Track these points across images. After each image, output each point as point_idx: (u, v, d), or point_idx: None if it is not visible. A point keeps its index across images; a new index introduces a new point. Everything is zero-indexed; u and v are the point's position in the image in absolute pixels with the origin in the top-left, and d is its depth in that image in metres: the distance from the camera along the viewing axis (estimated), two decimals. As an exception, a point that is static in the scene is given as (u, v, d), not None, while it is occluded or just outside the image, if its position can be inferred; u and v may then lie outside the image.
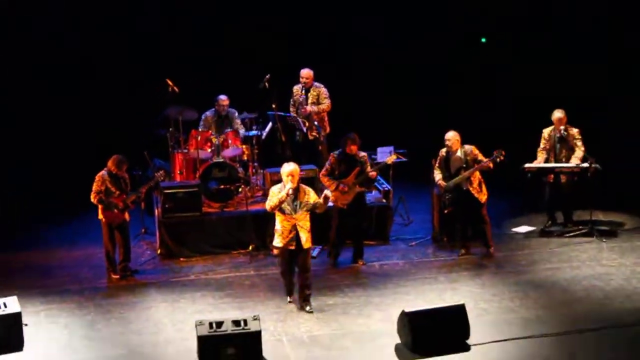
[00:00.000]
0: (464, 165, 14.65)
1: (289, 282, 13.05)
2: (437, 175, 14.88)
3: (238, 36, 19.39)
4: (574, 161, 15.31)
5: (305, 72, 16.45)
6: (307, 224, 12.76)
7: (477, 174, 14.68)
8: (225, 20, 19.52)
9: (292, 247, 12.71)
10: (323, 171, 14.54)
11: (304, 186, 12.82)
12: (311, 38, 19.72)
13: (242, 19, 19.55)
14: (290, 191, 12.50)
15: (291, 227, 12.66)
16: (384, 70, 20.56)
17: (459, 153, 14.68)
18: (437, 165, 14.92)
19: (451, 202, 14.87)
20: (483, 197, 14.75)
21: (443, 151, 14.83)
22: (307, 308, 12.85)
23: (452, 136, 14.71)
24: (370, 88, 20.27)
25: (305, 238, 12.71)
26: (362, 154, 14.60)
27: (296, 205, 12.64)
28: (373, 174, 14.57)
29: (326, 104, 16.44)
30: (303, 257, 12.83)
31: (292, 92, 16.64)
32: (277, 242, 12.80)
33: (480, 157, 14.64)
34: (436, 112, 19.87)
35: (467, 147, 14.71)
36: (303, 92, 16.51)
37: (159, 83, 16.53)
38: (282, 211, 12.65)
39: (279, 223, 12.73)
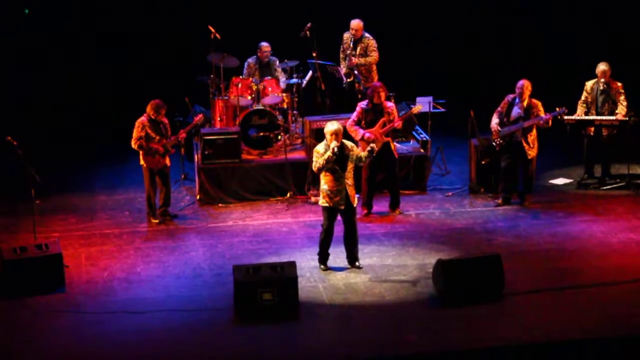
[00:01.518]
0: (523, 116, 14.53)
1: (327, 249, 12.71)
2: (495, 120, 14.74)
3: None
4: (617, 115, 15.16)
5: (355, 23, 16.29)
6: (352, 180, 12.60)
7: (534, 129, 14.57)
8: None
9: (342, 207, 12.55)
10: (350, 121, 14.40)
11: (346, 142, 12.53)
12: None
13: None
14: (336, 149, 12.31)
15: (340, 187, 12.43)
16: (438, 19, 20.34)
17: (524, 103, 14.55)
18: (499, 109, 14.78)
19: (501, 149, 14.74)
20: (532, 152, 14.66)
21: (510, 97, 14.72)
22: (357, 264, 12.74)
23: (523, 84, 14.55)
24: (420, 37, 20.09)
25: (352, 195, 12.54)
26: (390, 104, 14.51)
27: (344, 164, 12.39)
28: (398, 124, 14.46)
29: (374, 56, 16.30)
30: (351, 215, 12.63)
31: (343, 39, 16.54)
32: (324, 202, 12.48)
33: (542, 113, 14.51)
34: (481, 67, 19.79)
35: (534, 100, 14.59)
36: (352, 43, 16.37)
37: (202, 29, 16.50)
38: (331, 171, 12.43)
39: (326, 183, 12.42)
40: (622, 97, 15.27)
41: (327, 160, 12.28)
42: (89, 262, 13.07)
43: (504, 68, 18.99)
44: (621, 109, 15.18)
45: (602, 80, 15.28)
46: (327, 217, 12.54)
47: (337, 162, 12.32)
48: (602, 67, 15.35)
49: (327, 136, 12.36)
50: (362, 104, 14.49)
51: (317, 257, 12.78)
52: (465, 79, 19.44)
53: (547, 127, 14.64)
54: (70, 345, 10.92)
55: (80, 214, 14.93)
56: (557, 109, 14.62)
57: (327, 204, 12.47)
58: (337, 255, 12.81)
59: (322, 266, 12.71)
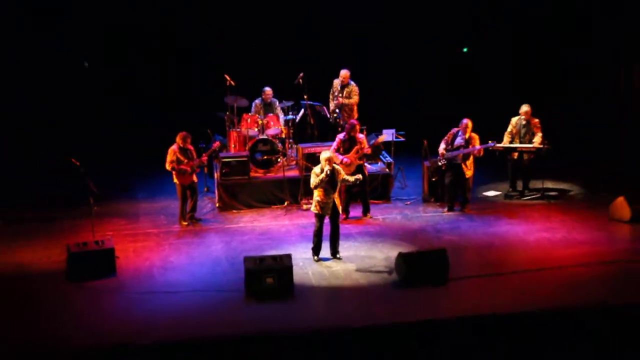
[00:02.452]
0: (463, 144, 14.56)
1: (319, 242, 12.69)
2: (442, 146, 14.67)
3: (281, 44, 19.30)
4: (534, 144, 15.23)
5: (344, 73, 16.24)
6: (338, 194, 12.62)
7: (471, 156, 14.57)
8: (275, 35, 19.40)
9: (329, 214, 12.53)
10: (332, 149, 14.28)
11: (337, 167, 12.58)
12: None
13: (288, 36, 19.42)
14: (329, 172, 12.31)
15: (329, 200, 12.45)
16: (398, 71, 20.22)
17: (466, 135, 14.51)
18: (445, 138, 14.67)
19: (445, 169, 14.68)
20: (469, 172, 14.64)
21: (455, 130, 14.65)
22: (338, 255, 12.74)
23: (466, 123, 14.51)
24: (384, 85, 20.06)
25: (337, 203, 12.59)
26: (361, 136, 14.47)
27: (335, 183, 12.42)
28: (368, 150, 14.47)
29: (355, 99, 16.24)
30: (336, 219, 12.65)
31: (333, 84, 16.48)
32: (316, 210, 12.50)
33: (477, 144, 14.50)
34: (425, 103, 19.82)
35: (473, 134, 14.54)
36: (340, 87, 16.36)
37: (220, 78, 16.53)
38: (324, 188, 12.43)
39: (319, 196, 12.42)
40: (538, 130, 15.37)
41: (322, 180, 12.35)
42: (135, 254, 13.06)
43: (451, 107, 18.96)
44: (537, 139, 15.28)
45: (524, 117, 15.37)
46: (318, 221, 12.60)
47: (329, 182, 12.39)
48: (524, 108, 15.39)
49: (322, 161, 12.42)
50: (340, 136, 14.45)
51: (307, 251, 12.76)
52: (420, 116, 19.46)
53: (480, 156, 14.68)
54: (120, 318, 10.95)
55: (128, 217, 14.89)
56: (490, 141, 14.64)
57: (318, 212, 12.53)
58: (323, 249, 12.80)
59: (315, 257, 12.71)
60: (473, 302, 11.17)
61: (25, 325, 10.77)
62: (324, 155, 12.44)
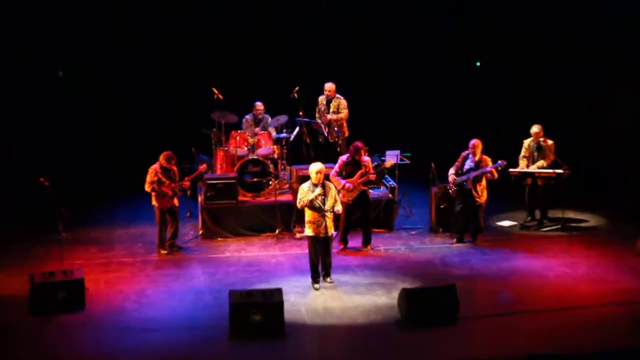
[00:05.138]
0: (473, 167, 14.49)
1: (316, 269, 12.75)
2: (451, 171, 14.58)
3: (277, 52, 19.27)
4: (538, 167, 15.20)
5: (329, 86, 16.27)
6: (331, 214, 12.61)
7: (483, 181, 14.49)
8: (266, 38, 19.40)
9: (322, 235, 12.53)
10: (333, 172, 14.26)
11: (328, 182, 12.66)
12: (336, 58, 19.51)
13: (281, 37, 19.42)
14: (320, 198, 12.36)
15: (321, 219, 12.47)
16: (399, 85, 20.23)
17: (476, 157, 14.48)
18: (456, 163, 14.59)
19: (455, 195, 14.64)
20: (480, 199, 14.56)
21: (465, 153, 14.60)
22: (329, 279, 12.79)
23: (474, 143, 14.44)
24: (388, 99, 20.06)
25: (330, 225, 12.56)
26: (366, 159, 14.43)
27: (324, 200, 12.46)
28: (373, 176, 14.38)
29: (344, 113, 16.24)
30: (327, 243, 12.66)
31: (318, 101, 16.48)
32: (309, 231, 12.56)
33: (488, 163, 14.45)
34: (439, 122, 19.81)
35: (484, 156, 14.47)
36: (325, 102, 16.34)
37: (207, 91, 16.47)
38: (312, 208, 12.47)
39: (310, 216, 12.51)
40: (551, 154, 15.29)
41: (311, 201, 12.35)
42: (107, 286, 12.95)
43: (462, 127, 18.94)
44: (541, 163, 15.21)
45: (541, 139, 15.30)
46: (311, 245, 12.60)
47: (320, 199, 12.42)
48: (534, 129, 15.40)
49: (312, 174, 12.42)
50: (343, 158, 14.40)
51: (300, 285, 12.74)
52: (429, 136, 19.42)
53: (494, 179, 14.57)
54: (88, 358, 10.75)
55: (101, 245, 14.83)
56: (499, 160, 14.49)
57: (311, 233, 12.51)
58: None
59: (315, 285, 12.72)
60: (485, 345, 11.05)
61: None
62: (314, 167, 12.43)
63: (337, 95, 16.32)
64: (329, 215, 12.52)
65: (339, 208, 12.73)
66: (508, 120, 19.17)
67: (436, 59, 20.03)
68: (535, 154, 15.42)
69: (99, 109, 19.34)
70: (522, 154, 15.54)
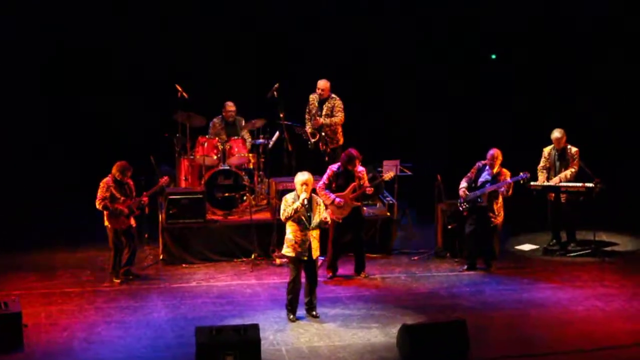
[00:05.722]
0: (490, 180, 14.59)
1: (296, 299, 12.81)
2: (463, 184, 14.69)
3: (249, 44, 19.35)
4: (561, 179, 15.30)
5: (322, 83, 16.30)
6: (317, 232, 12.72)
7: (500, 197, 14.60)
8: (239, 28, 19.46)
9: (306, 258, 12.63)
10: (320, 184, 14.30)
11: (316, 196, 12.75)
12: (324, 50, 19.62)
13: (256, 26, 19.50)
14: (305, 202, 12.43)
15: (305, 238, 12.56)
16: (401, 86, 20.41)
17: (494, 170, 14.60)
18: (468, 174, 14.73)
19: (467, 214, 14.75)
20: (497, 220, 14.66)
21: (480, 163, 14.71)
22: (314, 313, 12.86)
23: (494, 154, 14.51)
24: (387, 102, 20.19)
25: (315, 247, 12.66)
26: (360, 169, 14.45)
27: (310, 216, 12.56)
28: (369, 190, 14.45)
29: (339, 117, 16.26)
30: (312, 267, 12.75)
31: (309, 100, 16.54)
32: (289, 251, 12.62)
33: (505, 177, 14.55)
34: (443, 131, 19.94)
35: (504, 169, 14.56)
36: (318, 103, 16.39)
37: (168, 88, 16.52)
38: (297, 221, 12.56)
39: (292, 232, 12.58)
40: (574, 163, 15.35)
41: (296, 211, 12.41)
42: (49, 321, 12.90)
43: (474, 133, 19.08)
44: (567, 173, 15.27)
45: (563, 146, 15.39)
46: (293, 268, 12.67)
47: (305, 214, 12.48)
48: (556, 134, 15.42)
49: (297, 186, 12.49)
50: (334, 167, 14.43)
51: (280, 319, 12.75)
52: (434, 144, 19.54)
53: (508, 196, 14.63)
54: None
55: (41, 272, 14.78)
56: (521, 173, 14.61)
57: (291, 254, 12.57)
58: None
59: (290, 316, 12.75)
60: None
61: None
62: (300, 177, 12.52)
63: (332, 95, 16.33)
64: (315, 234, 12.63)
65: (326, 216, 12.71)
66: (524, 125, 19.29)
67: (445, 56, 20.19)
68: (557, 164, 15.52)
69: None
70: (542, 164, 15.62)
